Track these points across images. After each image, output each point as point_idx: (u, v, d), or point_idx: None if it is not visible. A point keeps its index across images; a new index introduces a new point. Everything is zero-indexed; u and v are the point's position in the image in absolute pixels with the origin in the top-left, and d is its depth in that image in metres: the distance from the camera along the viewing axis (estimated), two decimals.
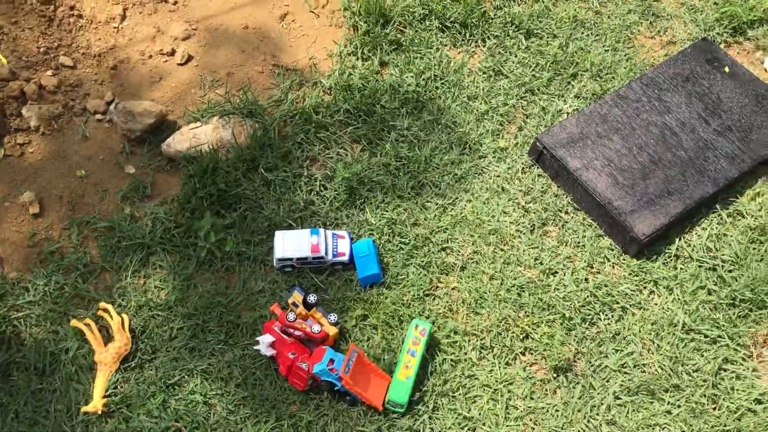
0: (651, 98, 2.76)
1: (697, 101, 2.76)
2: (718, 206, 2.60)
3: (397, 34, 3.01)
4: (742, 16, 3.10)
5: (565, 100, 2.87)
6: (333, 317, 2.24)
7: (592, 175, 2.56)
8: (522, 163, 2.72)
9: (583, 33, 3.08)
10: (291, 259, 2.35)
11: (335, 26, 3.06)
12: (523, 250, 2.51)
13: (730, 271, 2.46)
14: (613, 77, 2.95)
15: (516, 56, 3.00)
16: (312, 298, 2.25)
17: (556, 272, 2.47)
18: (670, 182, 2.55)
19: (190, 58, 2.93)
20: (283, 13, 3.09)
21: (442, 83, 2.90)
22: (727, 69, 2.86)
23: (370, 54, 2.94)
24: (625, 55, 3.03)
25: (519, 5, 3.16)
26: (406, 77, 2.88)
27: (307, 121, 2.73)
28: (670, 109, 2.74)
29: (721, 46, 3.10)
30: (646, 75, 2.83)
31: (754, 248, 2.50)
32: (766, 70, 3.05)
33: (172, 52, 2.93)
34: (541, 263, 2.48)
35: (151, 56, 2.92)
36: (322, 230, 2.40)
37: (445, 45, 3.03)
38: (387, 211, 2.56)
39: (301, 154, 2.67)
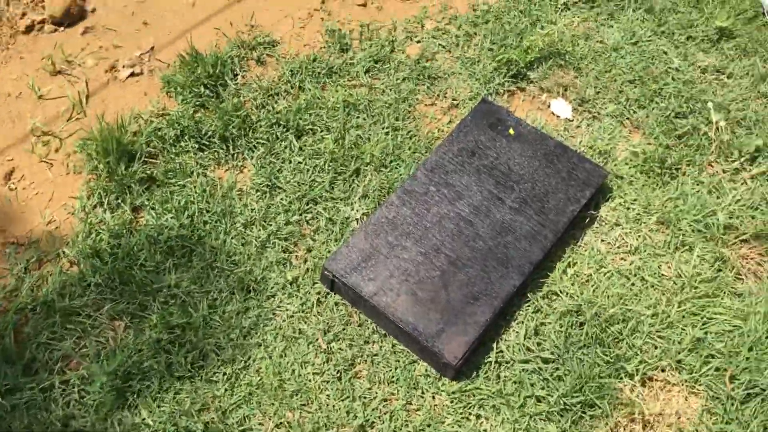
0: (439, 186, 2.51)
1: (488, 177, 2.54)
2: (529, 294, 2.39)
3: (148, 167, 2.59)
4: (519, 61, 2.91)
5: (352, 205, 2.57)
6: None
7: (390, 299, 2.26)
8: (317, 293, 2.39)
9: (358, 118, 2.78)
10: None
11: (74, 174, 2.59)
12: (333, 406, 2.18)
13: (557, 369, 2.25)
14: (398, 164, 2.67)
15: (290, 162, 2.66)
16: None
17: (374, 423, 2.17)
18: (473, 284, 2.30)
19: None
20: (8, 171, 2.58)
21: (211, 216, 2.51)
22: (511, 131, 2.66)
23: (119, 201, 2.51)
24: (408, 134, 2.76)
25: (284, 99, 2.82)
26: (166, 220, 2.47)
27: (51, 310, 2.27)
28: (461, 195, 2.49)
29: (505, 96, 2.90)
30: (429, 159, 2.57)
31: (574, 335, 2.31)
32: (553, 114, 2.88)
33: None
34: (356, 416, 2.17)
35: None
36: None
37: (208, 166, 2.64)
38: (166, 403, 2.15)
39: (49, 356, 2.20)
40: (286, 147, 2.69)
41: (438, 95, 2.89)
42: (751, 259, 2.54)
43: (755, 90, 2.94)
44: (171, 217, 2.48)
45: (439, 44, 3.03)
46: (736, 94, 2.92)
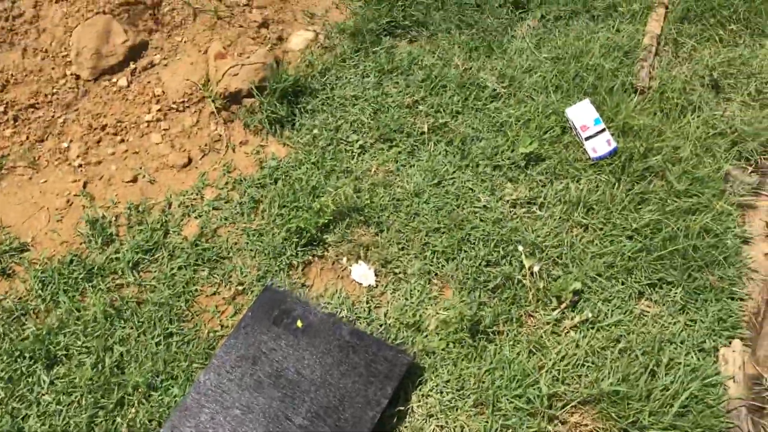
0: (214, 413, 2.11)
1: (273, 390, 2.17)
2: None
3: None
4: (310, 228, 2.58)
5: None
6: None
7: None
8: None
9: (124, 329, 2.37)
10: None
11: None
12: None
13: None
14: (171, 384, 2.27)
15: (38, 405, 2.21)
16: None
17: None
18: None
19: None
20: None
21: None
22: (299, 323, 2.31)
23: None
24: (184, 339, 2.37)
25: (32, 320, 2.37)
26: None
27: None
28: (241, 421, 2.10)
29: (300, 269, 2.56)
30: (202, 378, 2.19)
31: None
32: (355, 281, 2.56)
33: None
34: None
35: None
36: None
37: None
38: None
39: None
40: (33, 384, 2.24)
41: (221, 281, 2.52)
42: (584, 426, 2.27)
43: (570, 219, 2.72)
44: None
45: (222, 217, 2.68)
46: (549, 228, 2.69)
